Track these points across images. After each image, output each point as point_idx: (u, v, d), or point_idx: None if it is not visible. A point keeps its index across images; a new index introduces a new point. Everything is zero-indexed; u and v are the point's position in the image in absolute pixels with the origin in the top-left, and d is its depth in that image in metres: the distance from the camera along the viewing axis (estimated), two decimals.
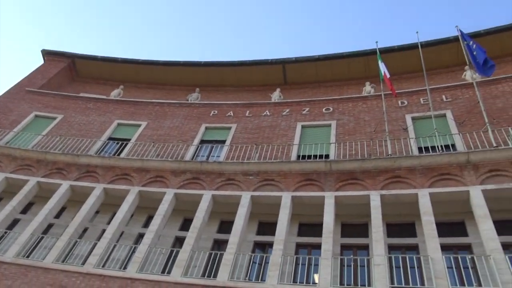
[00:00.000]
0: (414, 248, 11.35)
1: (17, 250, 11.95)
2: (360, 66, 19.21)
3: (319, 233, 11.26)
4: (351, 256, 11.30)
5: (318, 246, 11.18)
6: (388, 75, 15.02)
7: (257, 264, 11.82)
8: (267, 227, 12.65)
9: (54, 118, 18.24)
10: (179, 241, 13.03)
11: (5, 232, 12.81)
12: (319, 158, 13.57)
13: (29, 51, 60.20)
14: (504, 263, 8.99)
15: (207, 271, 11.07)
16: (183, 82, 21.57)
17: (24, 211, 14.46)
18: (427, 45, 17.58)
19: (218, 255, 11.33)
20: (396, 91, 15.16)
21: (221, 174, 13.55)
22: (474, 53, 13.90)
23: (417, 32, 16.78)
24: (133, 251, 12.11)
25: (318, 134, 15.19)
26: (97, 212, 14.07)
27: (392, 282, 9.99)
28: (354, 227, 12.32)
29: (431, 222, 10.38)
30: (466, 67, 15.86)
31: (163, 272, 11.32)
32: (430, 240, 10.03)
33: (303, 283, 10.56)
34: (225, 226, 13.03)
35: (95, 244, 12.19)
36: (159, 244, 12.46)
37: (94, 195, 13.60)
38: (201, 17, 60.53)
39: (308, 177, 12.72)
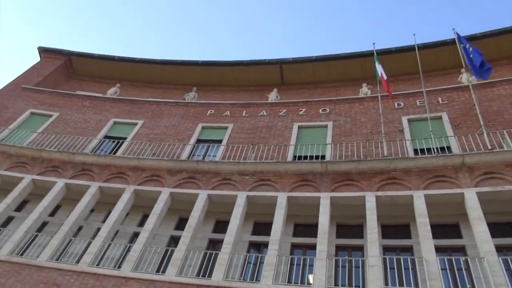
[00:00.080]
0: (409, 250, 11.39)
1: (11, 248, 11.89)
2: (357, 67, 19.26)
3: (314, 234, 11.27)
4: (346, 257, 11.32)
5: (313, 247, 11.21)
6: (385, 77, 15.06)
7: (252, 264, 11.83)
8: (263, 227, 12.66)
9: (50, 116, 18.17)
10: (174, 241, 13.01)
11: None
12: (315, 158, 13.59)
13: (25, 48, 59.99)
14: (497, 265, 9.04)
15: (202, 271, 11.08)
16: (180, 81, 21.54)
17: (19, 208, 14.38)
18: (424, 47, 17.64)
19: (213, 254, 11.32)
20: (392, 93, 15.21)
21: (217, 173, 13.54)
22: (471, 55, 13.96)
23: (414, 34, 16.81)
24: (128, 250, 12.08)
25: (314, 135, 15.22)
26: (92, 210, 14.02)
27: (386, 283, 10.01)
28: (349, 228, 12.34)
29: (425, 224, 10.42)
30: (463, 69, 15.94)
31: (157, 271, 11.30)
32: (425, 241, 10.07)
33: (297, 283, 10.55)
34: (221, 226, 13.03)
35: (89, 243, 12.16)
36: (154, 243, 12.44)
37: (89, 194, 13.55)
38: (199, 16, 60.49)
39: (304, 177, 12.74)
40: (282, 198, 12.27)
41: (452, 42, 16.72)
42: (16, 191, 13.83)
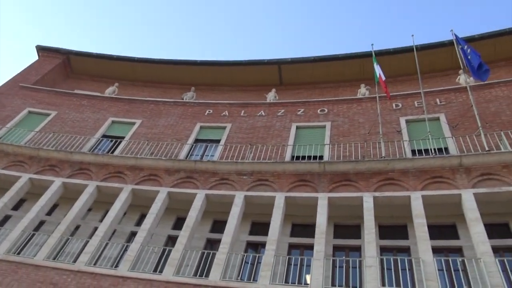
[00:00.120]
0: (406, 250, 11.41)
1: (7, 247, 11.86)
2: (356, 68, 19.28)
3: (311, 234, 11.28)
4: (343, 257, 11.33)
5: (310, 247, 11.22)
6: (383, 78, 15.08)
7: (249, 264, 11.82)
8: (260, 227, 12.66)
9: (48, 115, 18.12)
10: (171, 240, 13.00)
11: None
12: (313, 159, 13.60)
13: (23, 47, 59.82)
14: (494, 266, 9.07)
15: (199, 271, 11.08)
16: (179, 81, 21.52)
17: (16, 207, 14.34)
18: (422, 48, 17.68)
19: (211, 254, 11.32)
20: (390, 94, 15.24)
21: (215, 173, 13.54)
22: (469, 57, 14.01)
23: (412, 35, 16.83)
24: (125, 250, 12.05)
25: (312, 135, 15.24)
26: (89, 209, 13.99)
27: (383, 283, 10.05)
28: (346, 228, 12.36)
29: (423, 225, 10.44)
30: (460, 71, 15.98)
31: (155, 271, 11.28)
32: (422, 242, 10.09)
33: (295, 283, 10.58)
34: (218, 226, 13.03)
35: (87, 242, 12.13)
36: (152, 243, 12.42)
37: (86, 193, 13.53)
38: (198, 16, 60.45)
39: (301, 178, 12.74)
40: (280, 198, 12.28)
41: (450, 43, 16.77)
42: (13, 189, 13.79)
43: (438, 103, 15.05)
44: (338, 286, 10.62)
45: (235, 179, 13.22)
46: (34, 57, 25.34)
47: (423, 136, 13.30)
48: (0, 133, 16.59)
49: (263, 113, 16.90)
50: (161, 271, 10.93)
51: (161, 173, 13.91)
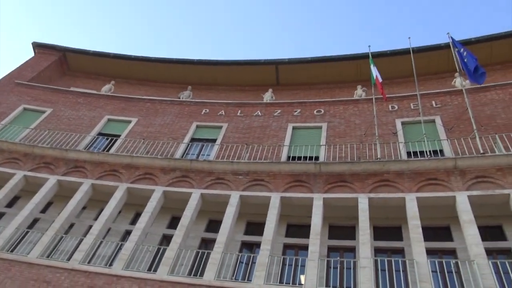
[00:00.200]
0: (400, 252, 11.46)
1: (1, 245, 11.79)
2: (352, 69, 19.33)
3: (306, 234, 11.30)
4: (338, 258, 11.36)
5: (305, 247, 11.23)
6: (380, 79, 15.12)
7: (244, 264, 11.83)
8: (255, 227, 12.66)
9: (43, 112, 18.03)
10: (166, 239, 12.97)
11: None
12: (309, 159, 13.62)
13: (19, 43, 59.48)
14: (487, 268, 9.13)
15: (194, 270, 11.06)
16: (175, 80, 21.48)
17: (10, 204, 14.26)
18: (418, 50, 17.75)
19: (205, 254, 11.31)
20: (387, 96, 15.28)
21: (211, 173, 13.53)
22: (465, 60, 14.07)
23: (409, 38, 16.92)
24: (120, 248, 12.02)
25: (308, 136, 15.26)
26: (84, 207, 13.94)
27: (377, 285, 10.08)
28: (341, 229, 12.39)
29: (417, 226, 10.48)
30: (456, 74, 16.05)
31: (149, 269, 11.25)
32: (416, 244, 10.13)
33: (289, 283, 10.59)
34: (213, 225, 13.02)
35: (81, 240, 12.09)
36: (146, 242, 12.39)
37: (81, 191, 13.48)
38: (196, 15, 60.36)
39: (297, 178, 12.76)
40: (275, 198, 12.28)
41: (446, 46, 16.84)
42: (7, 187, 13.71)
43: (434, 105, 15.12)
44: (332, 286, 10.65)
45: (230, 178, 13.22)
46: (30, 53, 25.21)
47: (418, 138, 13.36)
48: None
49: (259, 113, 16.91)
50: (155, 270, 10.91)
51: (157, 172, 13.88)
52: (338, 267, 11.05)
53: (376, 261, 10.57)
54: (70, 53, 22.50)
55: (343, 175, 12.46)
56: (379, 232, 11.92)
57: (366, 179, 12.18)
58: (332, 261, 11.16)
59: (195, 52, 62.18)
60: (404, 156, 12.96)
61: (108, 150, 15.38)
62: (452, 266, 10.25)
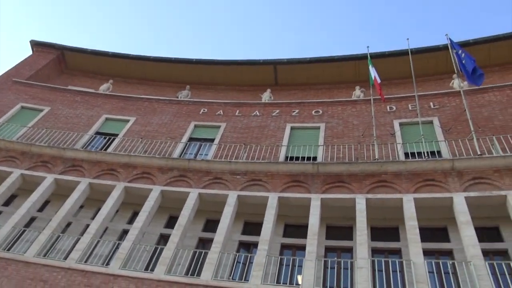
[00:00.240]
0: (397, 252, 11.48)
1: None
2: (351, 70, 19.35)
3: (304, 235, 11.30)
4: (335, 258, 11.36)
5: (302, 248, 11.24)
6: (378, 80, 15.15)
7: (241, 264, 11.82)
8: (253, 227, 12.66)
9: (41, 110, 17.98)
10: (163, 239, 12.95)
11: None
12: (307, 160, 13.63)
13: (17, 41, 59.30)
14: (483, 269, 9.15)
15: (191, 270, 11.04)
16: (174, 79, 21.46)
17: (7, 203, 14.23)
18: (417, 52, 17.79)
19: (203, 253, 11.30)
20: (385, 96, 15.31)
21: (209, 172, 13.51)
22: (463, 61, 14.10)
23: (407, 39, 16.93)
24: (117, 247, 11.99)
25: (306, 136, 15.27)
26: (81, 206, 13.92)
27: (374, 285, 10.09)
28: (339, 229, 12.40)
29: (414, 227, 10.51)
30: (454, 75, 16.10)
31: (146, 269, 11.24)
32: (413, 245, 10.15)
33: (286, 283, 10.59)
34: (211, 225, 13.02)
35: (78, 239, 12.06)
36: (144, 241, 12.37)
37: (79, 190, 13.44)
38: (195, 14, 60.32)
39: (295, 178, 12.77)
40: (273, 199, 12.29)
41: (444, 47, 16.88)
42: (4, 185, 13.66)
43: (432, 106, 15.15)
44: (329, 287, 10.67)
45: (228, 178, 13.21)
46: (28, 52, 25.13)
47: (416, 139, 13.38)
48: None
49: (257, 113, 16.91)
50: (152, 270, 10.90)
51: (154, 171, 13.86)
52: (335, 268, 11.08)
53: (373, 262, 10.57)
54: (68, 52, 22.45)
55: (341, 175, 12.47)
56: (376, 233, 11.94)
57: (363, 179, 12.20)
58: (329, 261, 11.18)
59: (194, 51, 62.20)
60: (401, 157, 12.98)
61: (105, 149, 15.35)
62: (449, 267, 10.27)
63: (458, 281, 9.87)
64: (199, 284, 10.26)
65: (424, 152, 12.72)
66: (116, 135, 16.46)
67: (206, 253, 11.11)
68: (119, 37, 61.85)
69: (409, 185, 11.69)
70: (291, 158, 14.09)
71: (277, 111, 16.84)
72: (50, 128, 16.27)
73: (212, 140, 15.84)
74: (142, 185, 13.50)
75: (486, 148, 12.24)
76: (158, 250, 11.63)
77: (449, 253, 11.14)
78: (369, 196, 11.75)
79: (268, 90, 19.08)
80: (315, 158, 13.75)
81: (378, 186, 11.97)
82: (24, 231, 12.53)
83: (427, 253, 10.49)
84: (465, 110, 13.47)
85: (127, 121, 17.34)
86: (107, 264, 11.43)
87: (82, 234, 12.62)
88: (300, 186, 12.57)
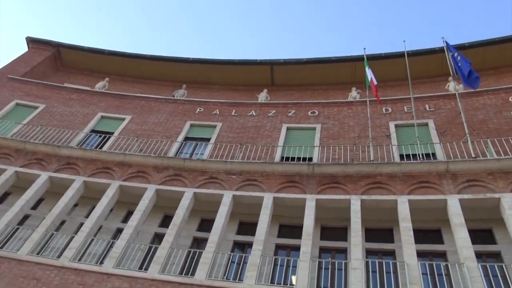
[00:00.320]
0: (391, 254, 11.52)
1: None
2: (347, 71, 19.39)
3: (298, 235, 11.32)
4: (329, 259, 11.39)
5: (297, 248, 11.25)
6: (375, 82, 15.19)
7: (235, 264, 11.81)
8: (248, 227, 12.66)
9: (36, 108, 17.87)
10: (158, 238, 12.92)
11: None
12: (302, 160, 13.65)
13: (13, 38, 58.92)
14: (476, 271, 9.21)
15: (185, 269, 11.02)
16: (170, 78, 21.41)
17: (0, 201, 14.13)
18: (413, 54, 17.85)
19: (197, 253, 11.28)
20: (381, 98, 15.36)
21: (204, 172, 13.50)
22: (459, 64, 14.18)
23: (404, 41, 17.02)
24: (111, 246, 11.95)
25: (302, 137, 15.29)
26: (75, 205, 13.84)
27: (368, 286, 10.12)
28: (333, 230, 12.43)
29: (408, 229, 10.55)
30: (450, 78, 16.18)
31: (140, 268, 11.21)
32: (407, 246, 10.19)
33: (280, 284, 10.59)
34: (205, 224, 13.00)
35: (72, 238, 12.00)
36: (138, 240, 12.33)
37: (73, 188, 13.38)
38: (192, 13, 60.21)
39: (290, 179, 12.78)
40: (268, 199, 12.29)
41: (441, 50, 16.95)
42: None
43: (427, 109, 15.22)
44: (323, 287, 10.68)
45: (224, 178, 13.20)
46: (24, 48, 24.98)
47: (411, 141, 13.44)
48: None
49: (254, 113, 16.91)
50: (146, 269, 10.87)
51: (150, 170, 13.82)
52: (330, 268, 11.10)
53: (367, 263, 10.61)
54: (64, 49, 22.33)
55: (336, 176, 12.50)
56: (370, 234, 11.98)
57: (358, 181, 12.24)
58: (323, 262, 11.19)
59: (191, 50, 62.06)
60: (397, 158, 13.03)
61: (101, 147, 15.29)
62: (442, 268, 10.33)
63: (451, 283, 9.92)
64: (193, 283, 10.25)
65: (419, 154, 12.78)
66: (112, 133, 16.40)
67: (200, 253, 11.09)
68: (116, 35, 61.65)
69: (404, 187, 11.73)
70: (287, 159, 14.10)
71: (273, 111, 16.85)
72: (45, 126, 16.18)
73: (208, 140, 15.82)
74: (137, 184, 13.46)
75: (481, 151, 12.31)
76: (152, 249, 11.60)
77: (442, 255, 11.19)
78: (364, 197, 11.79)
79: (265, 90, 19.09)
80: (310, 159, 13.77)
81: (373, 188, 12.01)
82: (17, 229, 12.45)
83: (420, 254, 10.54)
84: (460, 112, 13.54)
85: (123, 119, 17.27)
86: (101, 263, 11.39)
87: (76, 232, 12.55)
88: (295, 187, 12.59)
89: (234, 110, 17.20)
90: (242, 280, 10.42)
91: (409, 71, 15.57)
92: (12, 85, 19.03)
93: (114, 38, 61.27)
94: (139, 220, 12.23)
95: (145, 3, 58.95)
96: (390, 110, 15.63)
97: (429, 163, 12.00)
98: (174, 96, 19.44)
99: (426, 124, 14.49)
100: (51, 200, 13.90)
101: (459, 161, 11.78)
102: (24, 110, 17.72)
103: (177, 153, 15.24)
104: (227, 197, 12.54)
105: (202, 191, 12.99)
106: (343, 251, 11.83)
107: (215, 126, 16.47)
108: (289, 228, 12.64)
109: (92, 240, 12.15)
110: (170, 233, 11.68)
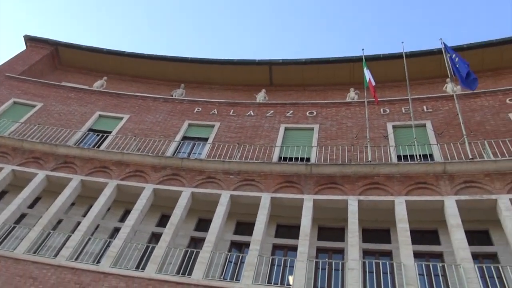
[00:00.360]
0: (388, 254, 11.55)
1: None
2: (346, 72, 19.42)
3: (296, 235, 11.33)
4: (326, 259, 11.40)
5: (294, 248, 11.26)
6: (373, 82, 15.21)
7: (232, 264, 11.82)
8: (245, 227, 12.66)
9: (34, 106, 17.83)
10: (155, 237, 12.91)
11: None
12: (300, 161, 13.66)
13: (11, 36, 58.72)
14: (473, 272, 9.24)
15: (182, 269, 11.01)
16: (168, 77, 21.40)
17: None
18: (411, 55, 17.90)
19: (194, 253, 11.27)
20: (379, 99, 15.38)
21: (202, 171, 13.49)
22: (457, 65, 14.22)
23: (402, 42, 17.05)
24: (108, 245, 11.94)
25: (300, 137, 15.30)
26: (72, 204, 13.80)
27: (365, 286, 10.14)
28: (330, 230, 12.44)
29: (405, 230, 10.57)
30: (448, 79, 16.22)
31: (137, 267, 11.19)
32: (404, 247, 10.22)
33: (277, 284, 10.59)
34: (203, 224, 13.00)
35: (69, 237, 11.97)
36: (135, 239, 12.32)
37: (70, 187, 13.35)
38: (191, 13, 60.16)
39: (288, 179, 12.79)
40: (265, 199, 12.30)
41: (438, 51, 16.99)
42: None
43: (425, 110, 15.25)
44: (320, 287, 10.70)
45: (221, 178, 13.20)
46: (22, 47, 24.91)
47: (409, 142, 13.47)
48: None
49: (252, 113, 16.91)
50: (143, 268, 10.85)
51: (147, 169, 13.81)
52: (327, 269, 11.11)
53: (364, 263, 10.64)
54: (62, 48, 22.28)
55: (334, 177, 12.52)
56: (367, 235, 12.00)
57: (356, 181, 12.26)
58: (320, 262, 11.22)
59: (189, 50, 62.02)
60: (394, 159, 13.06)
61: (98, 146, 15.26)
62: (439, 269, 10.36)
63: (447, 284, 9.94)
64: (190, 283, 10.24)
65: (416, 155, 12.80)
66: (109, 132, 16.37)
67: (197, 252, 11.09)
68: (114, 34, 61.54)
69: (401, 188, 11.76)
70: (285, 159, 14.11)
71: (272, 111, 16.85)
72: (42, 124, 16.15)
73: (205, 139, 15.82)
74: (135, 183, 13.45)
75: (478, 152, 12.35)
76: (149, 249, 11.59)
77: (439, 256, 11.22)
78: (361, 198, 11.81)
79: (263, 90, 19.09)
80: (308, 159, 13.79)
81: (370, 188, 12.03)
82: (14, 227, 12.41)
83: (417, 255, 10.58)
84: (458, 114, 13.58)
85: (121, 118, 17.25)
86: (98, 262, 11.38)
87: (73, 231, 12.53)
88: (293, 187, 12.60)
89: (232, 110, 17.20)
90: (239, 280, 10.42)
91: (407, 72, 15.60)
92: (9, 84, 18.98)
93: (112, 37, 61.21)
94: (137, 219, 12.21)
95: (143, 2, 58.91)
96: (388, 111, 15.66)
97: (426, 164, 12.03)
98: (172, 96, 19.42)
99: (424, 125, 14.52)
100: (48, 199, 13.87)
101: (456, 162, 11.82)
102: (21, 109, 17.67)
103: (175, 152, 15.23)
104: (225, 197, 12.54)
105: (200, 190, 12.99)
106: (340, 252, 11.84)
107: (213, 126, 16.47)
108: (286, 228, 12.65)
109: (89, 239, 12.13)
110: (167, 232, 11.67)
